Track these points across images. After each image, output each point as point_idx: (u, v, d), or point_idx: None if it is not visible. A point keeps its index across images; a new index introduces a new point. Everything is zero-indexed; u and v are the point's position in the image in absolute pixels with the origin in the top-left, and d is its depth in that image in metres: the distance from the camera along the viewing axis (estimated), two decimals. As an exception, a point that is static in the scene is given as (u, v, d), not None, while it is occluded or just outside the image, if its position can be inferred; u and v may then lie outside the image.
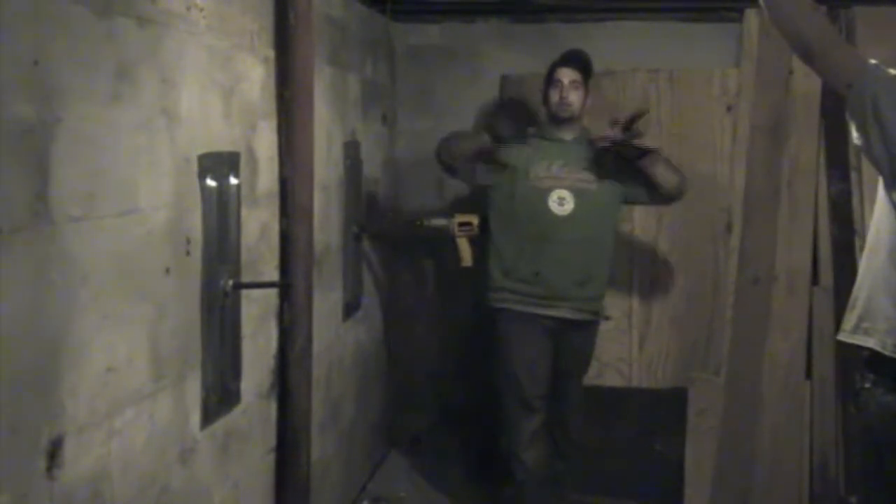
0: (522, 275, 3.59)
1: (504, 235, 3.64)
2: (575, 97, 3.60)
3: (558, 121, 3.65)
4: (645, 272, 4.30)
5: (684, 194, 3.67)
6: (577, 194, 3.56)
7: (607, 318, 3.98)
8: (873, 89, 2.24)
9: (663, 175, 3.56)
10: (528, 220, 3.58)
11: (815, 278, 4.12)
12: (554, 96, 3.63)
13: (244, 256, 2.53)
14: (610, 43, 4.31)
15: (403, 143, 4.57)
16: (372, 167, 4.06)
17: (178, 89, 2.13)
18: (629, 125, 3.41)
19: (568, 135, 3.66)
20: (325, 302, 3.31)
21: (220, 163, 2.36)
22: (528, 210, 3.58)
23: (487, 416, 4.39)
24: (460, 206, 4.31)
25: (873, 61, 2.32)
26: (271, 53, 2.72)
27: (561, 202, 3.56)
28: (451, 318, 4.52)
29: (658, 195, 3.63)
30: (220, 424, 2.41)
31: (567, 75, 3.61)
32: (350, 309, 3.72)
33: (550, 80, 3.65)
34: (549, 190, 3.57)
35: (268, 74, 2.70)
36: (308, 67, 2.80)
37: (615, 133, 3.42)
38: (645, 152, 3.51)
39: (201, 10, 2.24)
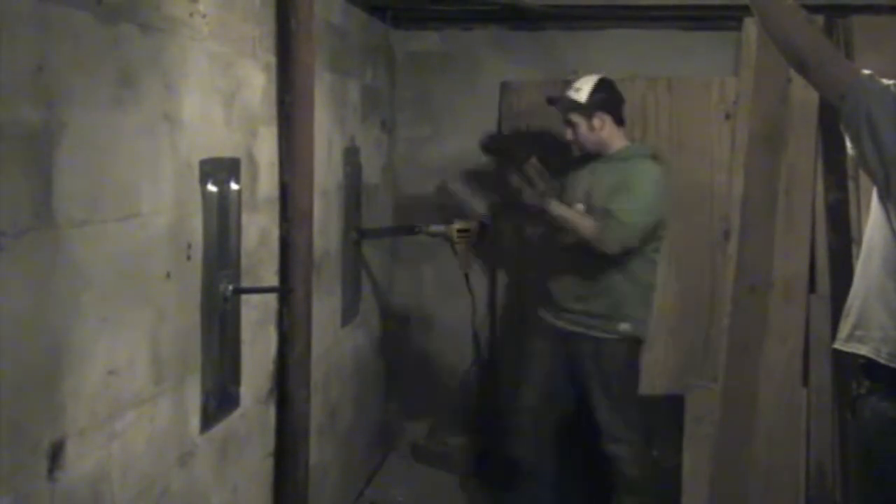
0: (544, 288, 3.80)
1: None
2: (571, 135, 3.71)
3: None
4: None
5: (602, 247, 3.57)
6: (589, 210, 3.62)
7: (638, 341, 3.76)
8: (867, 100, 2.25)
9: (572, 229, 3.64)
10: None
11: (812, 286, 4.14)
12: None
13: (244, 261, 2.54)
14: (608, 51, 4.33)
15: (402, 149, 4.58)
16: (371, 173, 4.07)
17: (181, 95, 2.15)
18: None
19: (601, 153, 3.72)
20: (324, 307, 3.32)
21: (221, 168, 2.38)
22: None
23: (486, 421, 4.42)
24: (459, 212, 4.32)
25: (867, 72, 2.33)
26: (272, 60, 2.73)
27: None
28: (449, 324, 4.53)
29: None
30: (219, 428, 2.42)
31: (563, 118, 3.73)
32: (349, 314, 3.73)
33: None
34: (570, 204, 3.68)
35: (269, 80, 2.72)
36: (309, 74, 2.82)
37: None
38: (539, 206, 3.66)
39: (204, 16, 2.26)
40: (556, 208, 3.61)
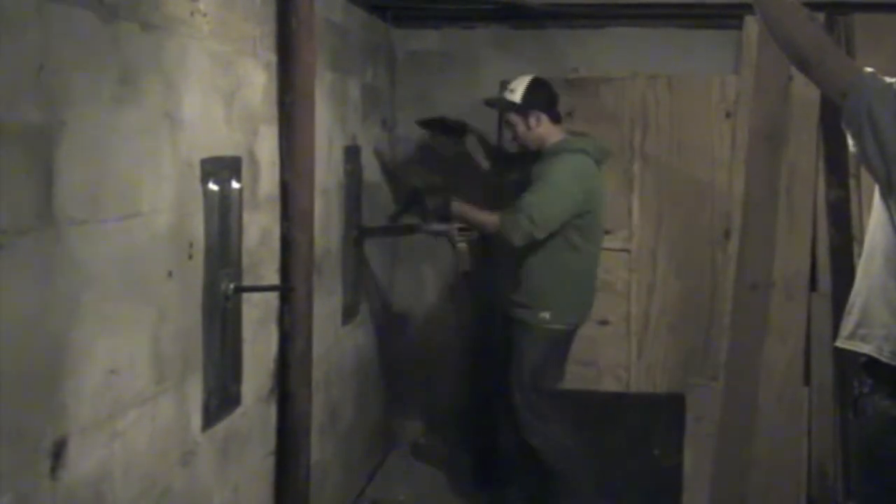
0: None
1: None
2: (511, 135, 3.86)
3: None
4: (643, 278, 4.31)
5: (507, 239, 3.66)
6: None
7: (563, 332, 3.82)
8: (868, 98, 2.24)
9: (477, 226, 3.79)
10: None
11: (813, 284, 4.13)
12: None
13: (245, 260, 2.54)
14: (609, 49, 4.33)
15: (403, 148, 4.58)
16: (372, 172, 4.07)
17: (181, 94, 2.15)
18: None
19: (541, 150, 3.80)
20: (325, 306, 3.32)
21: (222, 167, 2.37)
22: None
23: (486, 419, 4.41)
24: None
25: (869, 69, 2.32)
26: (273, 58, 2.73)
27: None
28: (449, 323, 4.52)
29: None
30: (220, 427, 2.42)
31: (502, 118, 3.88)
32: (349, 313, 3.72)
33: None
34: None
35: (269, 79, 2.72)
36: (309, 72, 2.82)
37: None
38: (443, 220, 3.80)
39: (204, 15, 2.26)
40: (456, 207, 3.75)
